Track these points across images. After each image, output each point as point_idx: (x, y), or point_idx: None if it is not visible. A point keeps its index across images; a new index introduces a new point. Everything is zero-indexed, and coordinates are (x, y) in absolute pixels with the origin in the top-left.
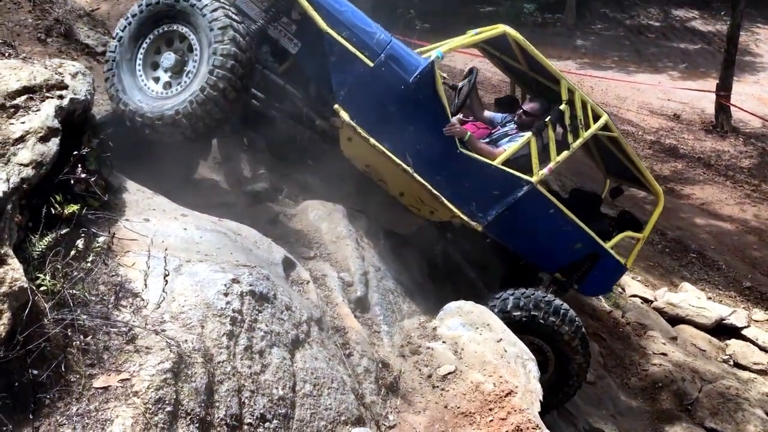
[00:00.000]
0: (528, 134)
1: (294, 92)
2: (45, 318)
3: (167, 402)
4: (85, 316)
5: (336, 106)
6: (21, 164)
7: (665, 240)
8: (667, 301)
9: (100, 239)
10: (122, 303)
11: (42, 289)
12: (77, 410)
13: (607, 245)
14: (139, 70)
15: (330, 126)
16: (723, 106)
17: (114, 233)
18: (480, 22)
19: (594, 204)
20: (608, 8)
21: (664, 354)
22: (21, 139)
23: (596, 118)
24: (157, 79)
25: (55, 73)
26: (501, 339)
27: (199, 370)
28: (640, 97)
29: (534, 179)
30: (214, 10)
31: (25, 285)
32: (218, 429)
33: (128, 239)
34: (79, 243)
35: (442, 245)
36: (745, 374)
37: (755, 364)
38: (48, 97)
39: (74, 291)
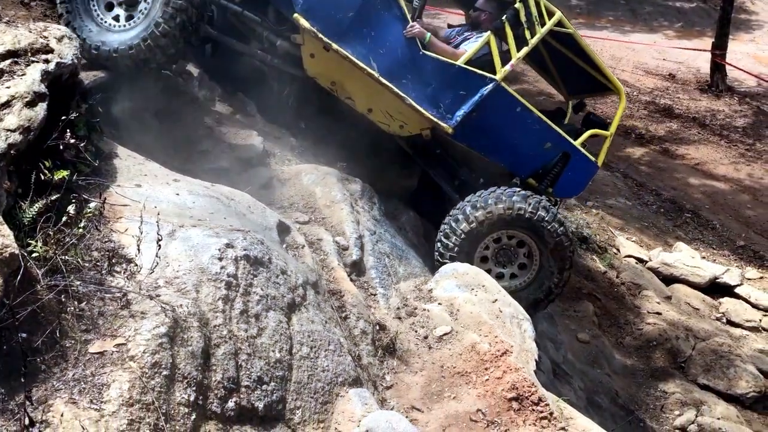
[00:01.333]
0: (487, 33)
1: (252, 17)
2: (38, 284)
3: (164, 366)
4: (78, 282)
5: (295, 15)
6: (8, 129)
7: (660, 200)
8: (662, 260)
9: (92, 205)
10: (116, 269)
11: (34, 255)
12: (73, 375)
13: (576, 143)
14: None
15: (291, 45)
16: (718, 65)
17: (105, 198)
18: None
19: (558, 116)
20: None
21: (659, 313)
22: (7, 104)
23: (550, 15)
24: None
25: (40, 37)
26: (496, 300)
27: (195, 334)
28: (636, 57)
29: (498, 77)
30: None
31: (16, 251)
32: (216, 392)
33: (120, 205)
34: (70, 209)
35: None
36: (738, 331)
37: (747, 321)
38: (33, 62)
39: (67, 257)
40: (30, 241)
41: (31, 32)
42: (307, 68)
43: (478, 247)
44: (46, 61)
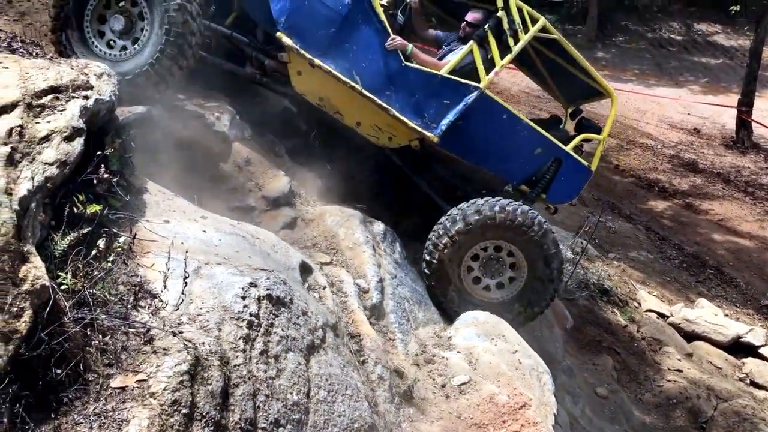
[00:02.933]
0: (470, 43)
1: (241, 38)
2: (65, 317)
3: (183, 404)
4: (104, 316)
5: (278, 33)
6: (46, 163)
7: (682, 255)
8: (684, 317)
9: (121, 239)
10: (141, 303)
11: (63, 287)
12: (94, 410)
13: (567, 147)
14: (88, 33)
15: (278, 63)
16: (744, 122)
17: (135, 234)
18: None
19: (553, 123)
20: (630, 21)
21: (679, 370)
22: (46, 138)
23: (534, 22)
24: (108, 43)
25: (81, 74)
26: (516, 350)
27: (216, 373)
28: (660, 111)
29: (482, 85)
30: None
31: (47, 283)
32: None
33: (148, 240)
34: (101, 243)
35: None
36: (762, 393)
37: None
38: (74, 97)
39: (94, 290)
40: (60, 273)
41: (72, 69)
42: (295, 85)
43: (464, 259)
44: (86, 98)
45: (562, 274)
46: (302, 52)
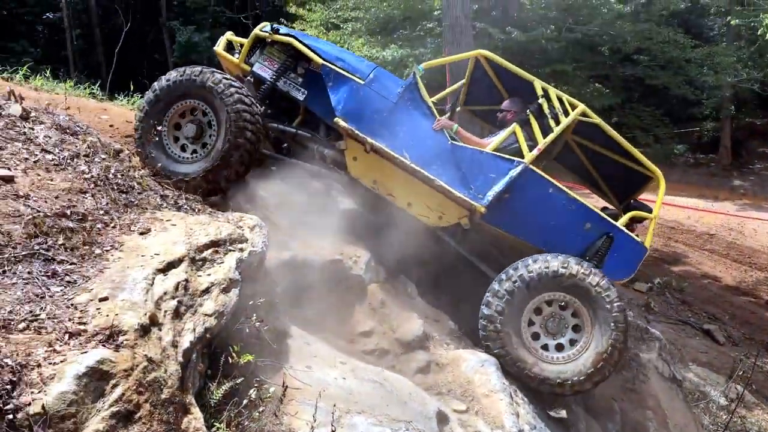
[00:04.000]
0: (513, 125)
1: (305, 134)
2: None
3: None
4: None
5: (336, 118)
6: (206, 314)
7: None
8: None
9: (271, 390)
10: None
11: None
12: None
13: (618, 223)
14: (166, 140)
15: (337, 152)
16: None
17: (287, 385)
18: None
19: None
20: (766, 147)
21: None
22: (207, 291)
23: (574, 108)
24: (183, 147)
25: (237, 227)
26: None
27: None
28: None
29: (526, 160)
30: (229, 92)
31: None
32: None
33: (293, 388)
34: (252, 393)
35: None
36: None
37: None
38: (230, 250)
39: None
40: (215, 424)
41: (229, 222)
42: (351, 170)
43: (522, 320)
44: (241, 250)
45: (625, 335)
46: (356, 132)
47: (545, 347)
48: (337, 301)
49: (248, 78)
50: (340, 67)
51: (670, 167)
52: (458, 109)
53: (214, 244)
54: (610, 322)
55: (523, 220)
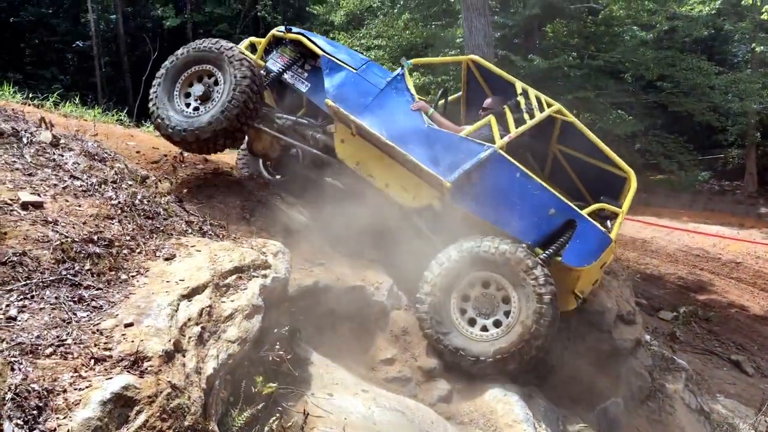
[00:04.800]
0: (489, 116)
1: (303, 122)
2: None
3: None
4: None
5: (326, 99)
6: (229, 341)
7: None
8: None
9: (294, 418)
10: None
11: None
12: None
13: (583, 212)
14: (177, 98)
15: (327, 135)
16: None
17: (308, 413)
18: (654, 189)
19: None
20: None
21: None
22: (230, 317)
23: (550, 106)
24: (188, 104)
25: (260, 253)
26: None
27: None
28: None
29: (496, 145)
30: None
31: None
32: None
33: (314, 416)
34: (273, 422)
35: None
36: None
37: None
38: (254, 276)
39: None
40: None
41: (253, 248)
42: (338, 152)
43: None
44: (264, 276)
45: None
46: (342, 111)
47: (484, 328)
48: (358, 328)
49: (261, 71)
50: (337, 58)
51: (694, 194)
52: (441, 102)
53: (238, 270)
54: (533, 296)
55: (489, 203)
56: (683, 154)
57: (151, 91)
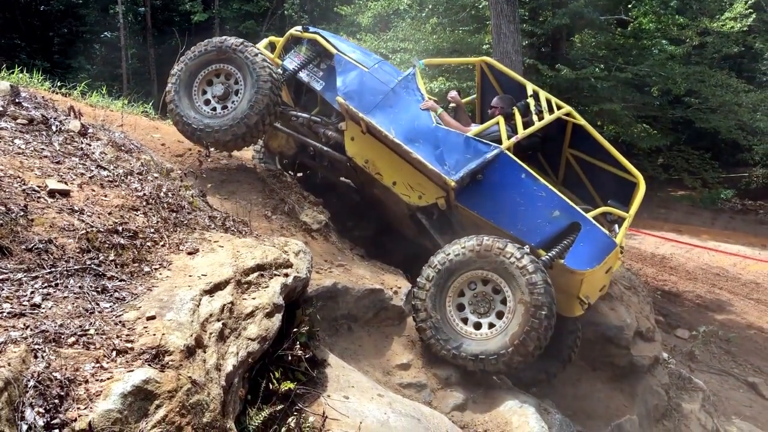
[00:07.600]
0: (498, 117)
1: (317, 119)
2: None
3: None
4: None
5: (337, 97)
6: (249, 338)
7: None
8: None
9: (311, 419)
10: None
11: None
12: None
13: (588, 215)
14: (195, 96)
15: (338, 133)
16: None
17: (326, 416)
18: (673, 205)
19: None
20: None
21: None
22: (251, 315)
23: (560, 108)
24: (207, 102)
25: (282, 252)
26: None
27: None
28: None
29: (503, 146)
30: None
31: None
32: None
33: (331, 418)
34: (291, 422)
35: None
36: None
37: None
38: (275, 275)
39: None
40: None
41: (275, 247)
42: (348, 149)
43: (448, 290)
44: (286, 275)
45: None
46: (352, 108)
47: (478, 326)
48: (375, 331)
49: (278, 69)
50: (350, 57)
51: (716, 212)
52: (452, 105)
53: (260, 267)
54: (526, 290)
55: (494, 203)
56: (708, 171)
57: (169, 85)
